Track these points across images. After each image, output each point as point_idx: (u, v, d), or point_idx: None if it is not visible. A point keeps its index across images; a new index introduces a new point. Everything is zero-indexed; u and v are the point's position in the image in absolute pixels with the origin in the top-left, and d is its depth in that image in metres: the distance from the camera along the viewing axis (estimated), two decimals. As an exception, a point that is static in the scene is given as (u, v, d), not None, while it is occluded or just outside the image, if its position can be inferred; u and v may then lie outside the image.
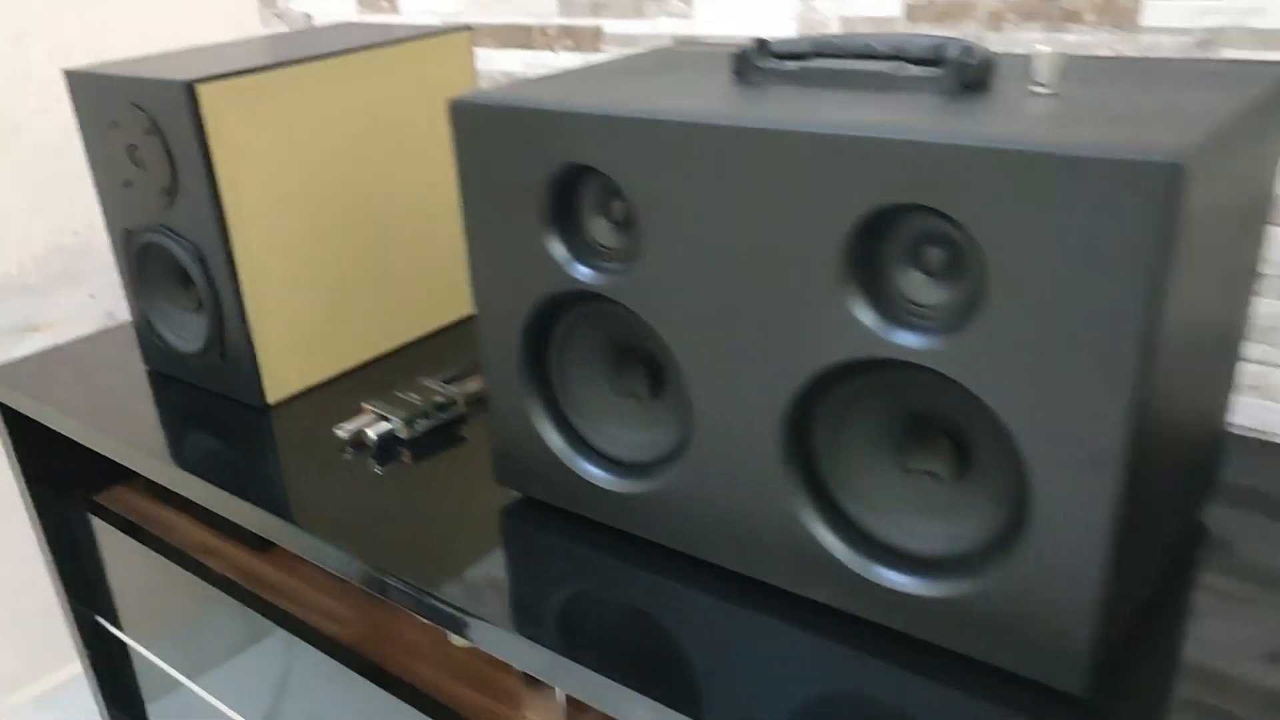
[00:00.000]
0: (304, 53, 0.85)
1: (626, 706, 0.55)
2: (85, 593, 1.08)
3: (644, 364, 0.63)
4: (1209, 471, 0.64)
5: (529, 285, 0.62)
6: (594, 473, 0.65)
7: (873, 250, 0.49)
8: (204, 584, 0.90)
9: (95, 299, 1.34)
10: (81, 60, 1.27)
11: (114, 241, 0.89)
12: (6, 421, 0.99)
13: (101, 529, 1.01)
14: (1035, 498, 0.48)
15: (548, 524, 0.70)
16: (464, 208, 0.63)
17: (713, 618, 0.59)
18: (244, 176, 0.80)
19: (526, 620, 0.60)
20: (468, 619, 0.61)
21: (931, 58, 0.53)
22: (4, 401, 0.98)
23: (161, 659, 1.02)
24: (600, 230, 0.59)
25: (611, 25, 1.05)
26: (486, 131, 0.60)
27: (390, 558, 0.67)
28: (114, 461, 1.05)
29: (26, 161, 1.25)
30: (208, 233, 0.80)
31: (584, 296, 0.61)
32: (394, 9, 1.24)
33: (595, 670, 0.56)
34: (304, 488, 0.76)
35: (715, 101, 0.54)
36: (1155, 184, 0.40)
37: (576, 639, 0.58)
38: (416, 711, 0.74)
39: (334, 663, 0.78)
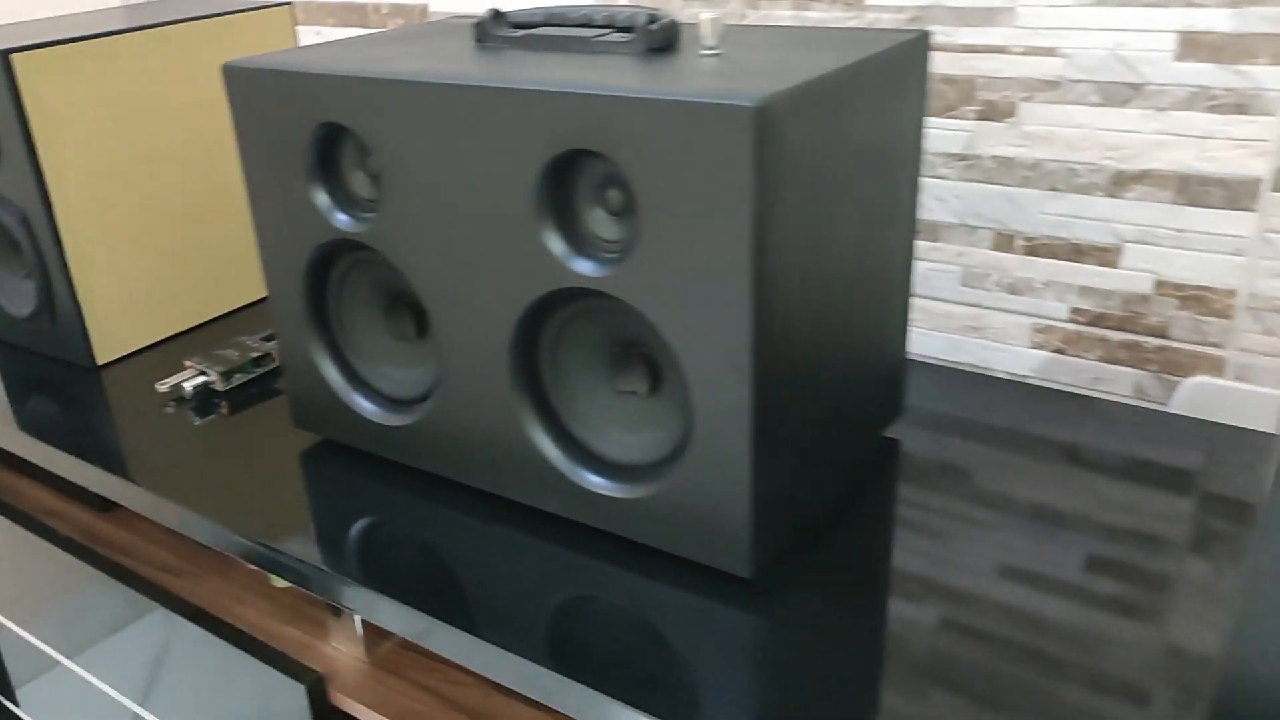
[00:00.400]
0: (133, 24, 0.90)
1: (406, 621, 0.62)
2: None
3: (410, 308, 0.70)
4: (893, 395, 0.73)
5: (301, 235, 0.68)
6: (369, 408, 0.71)
7: (562, 191, 0.57)
8: (52, 549, 0.94)
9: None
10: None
11: (-49, 212, 0.94)
12: None
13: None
14: (696, 406, 0.55)
15: (341, 463, 0.76)
16: (243, 164, 0.69)
17: (475, 536, 0.66)
18: (64, 143, 0.85)
19: (329, 554, 0.66)
20: (276, 557, 0.67)
21: (627, 25, 0.60)
22: None
23: (12, 623, 1.06)
24: (359, 183, 0.66)
25: (436, 3, 1.12)
26: (256, 93, 0.66)
27: (207, 505, 0.73)
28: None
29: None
30: (30, 198, 0.85)
31: (349, 245, 0.67)
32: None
33: (382, 593, 0.62)
34: (131, 443, 0.81)
35: (442, 62, 0.61)
36: (743, 123, 0.48)
37: (369, 567, 0.64)
38: (241, 650, 0.80)
39: (176, 616, 0.84)
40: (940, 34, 0.83)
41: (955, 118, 0.85)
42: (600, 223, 0.57)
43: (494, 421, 0.65)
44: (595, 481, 0.62)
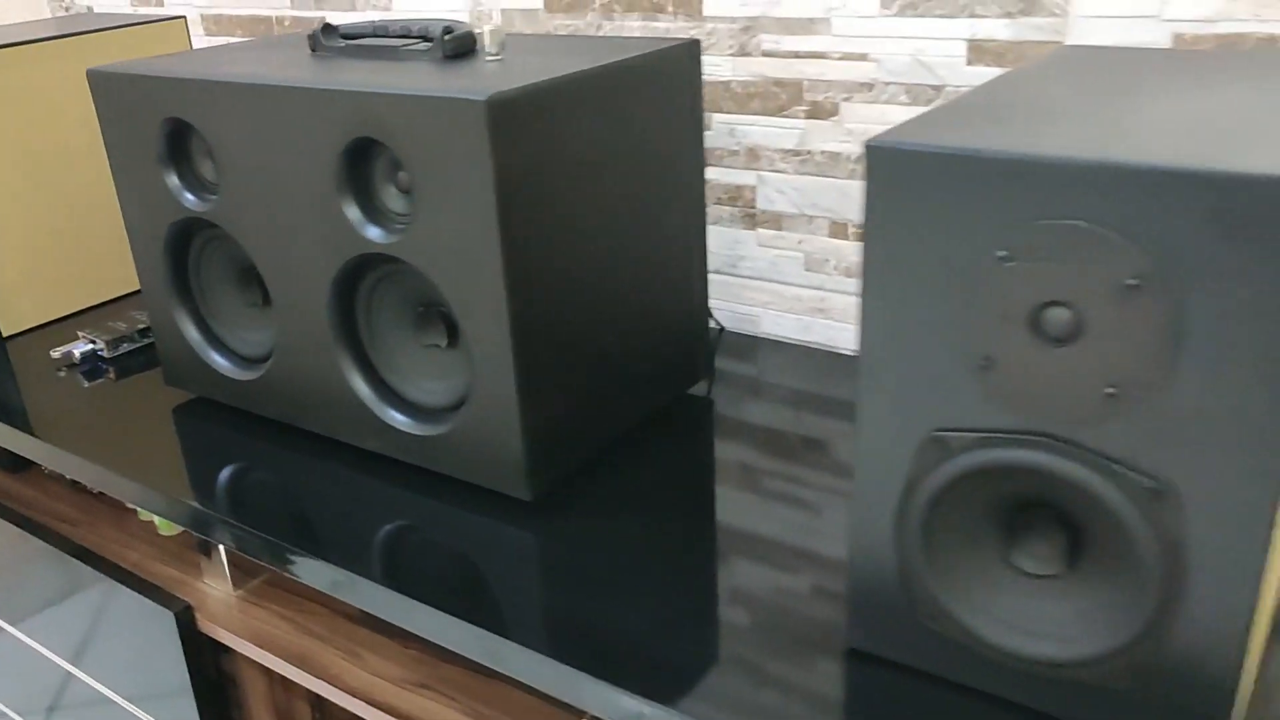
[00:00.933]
0: (35, 35, 1.00)
1: (257, 548, 0.72)
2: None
3: (256, 277, 0.80)
4: (693, 359, 0.84)
5: (158, 215, 0.79)
6: (224, 365, 0.82)
7: (359, 172, 0.68)
8: None
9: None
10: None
11: (-127, 201, 1.03)
12: None
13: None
14: (474, 356, 0.66)
15: (206, 415, 0.87)
16: (109, 155, 0.80)
17: (314, 475, 0.77)
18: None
19: (201, 496, 0.76)
20: (148, 497, 0.78)
21: (428, 35, 0.71)
22: None
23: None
24: (206, 169, 0.77)
25: (331, 16, 1.22)
26: (115, 95, 0.77)
27: (92, 453, 0.83)
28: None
29: None
30: (-59, 189, 0.96)
31: (200, 223, 0.78)
32: (159, 3, 1.40)
33: (241, 527, 0.73)
34: (31, 403, 0.92)
35: (269, 68, 0.72)
36: (478, 115, 0.59)
37: (230, 503, 0.75)
38: (121, 584, 0.90)
39: (71, 560, 0.94)
40: (769, 42, 0.94)
41: (788, 117, 0.96)
42: (393, 199, 0.68)
43: (322, 373, 0.76)
44: (403, 421, 0.73)
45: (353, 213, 0.67)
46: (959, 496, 0.49)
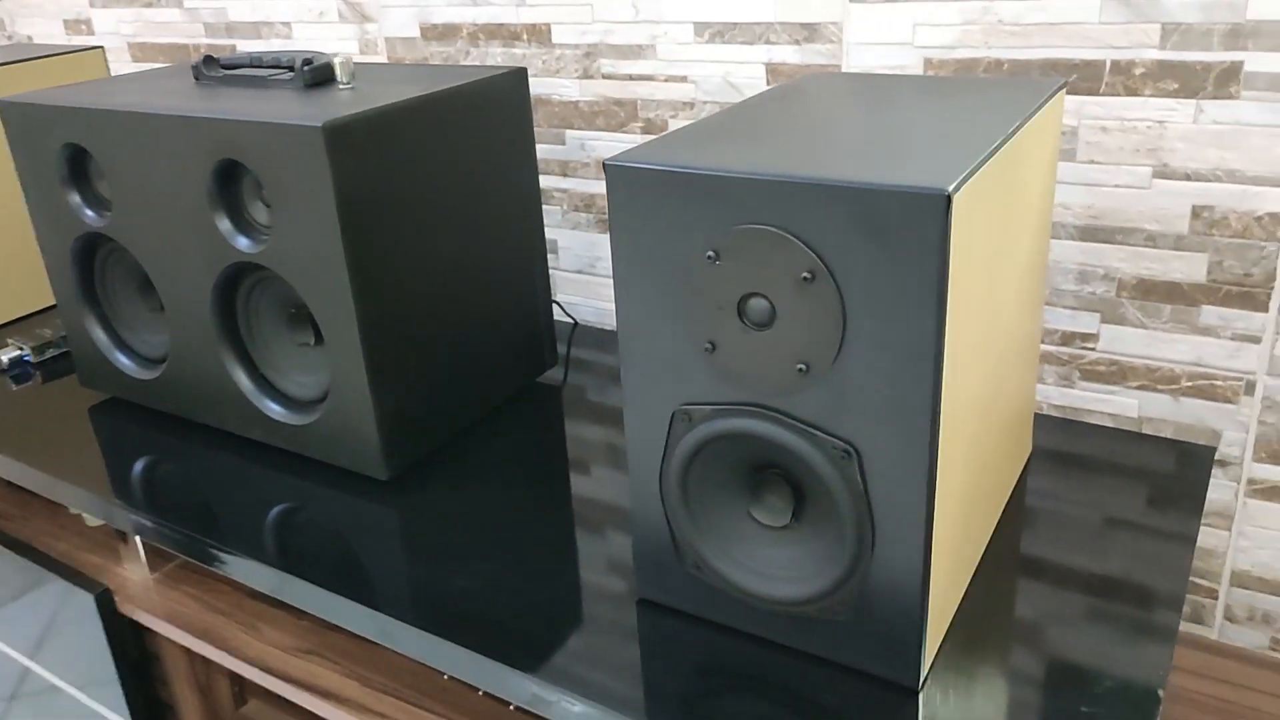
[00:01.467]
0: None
1: (158, 535, 0.80)
2: None
3: (152, 290, 0.88)
4: (538, 351, 0.93)
5: (63, 230, 0.87)
6: (129, 365, 0.90)
7: (229, 189, 0.76)
8: None
9: None
10: None
11: None
12: None
13: None
14: (332, 352, 0.74)
15: (119, 413, 0.95)
16: (19, 177, 0.88)
17: (209, 463, 0.86)
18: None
19: (112, 488, 0.84)
20: (64, 490, 0.86)
21: (291, 65, 0.79)
22: None
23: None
24: (103, 187, 0.85)
25: (242, 44, 1.31)
26: (19, 122, 0.85)
27: (15, 450, 0.91)
28: None
29: None
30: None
31: (101, 238, 0.86)
32: (90, 31, 1.48)
33: (143, 516, 0.81)
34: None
35: (152, 96, 0.80)
36: (315, 138, 0.67)
37: (140, 497, 0.83)
38: (47, 571, 0.98)
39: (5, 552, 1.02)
40: (607, 66, 1.03)
41: (628, 132, 1.05)
42: (260, 213, 0.76)
43: (210, 370, 0.84)
44: (279, 412, 0.81)
45: (224, 225, 0.76)
46: (706, 460, 0.57)
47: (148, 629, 0.97)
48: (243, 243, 0.75)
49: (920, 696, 0.55)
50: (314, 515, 0.77)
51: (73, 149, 0.83)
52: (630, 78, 1.02)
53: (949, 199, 0.46)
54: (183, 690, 1.00)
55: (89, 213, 0.85)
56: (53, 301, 1.20)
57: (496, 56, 1.10)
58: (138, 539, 0.95)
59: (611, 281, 1.11)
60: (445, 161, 0.77)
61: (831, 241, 0.48)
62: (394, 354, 0.76)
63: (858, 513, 0.52)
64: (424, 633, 0.65)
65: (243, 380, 0.82)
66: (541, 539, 0.73)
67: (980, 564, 0.67)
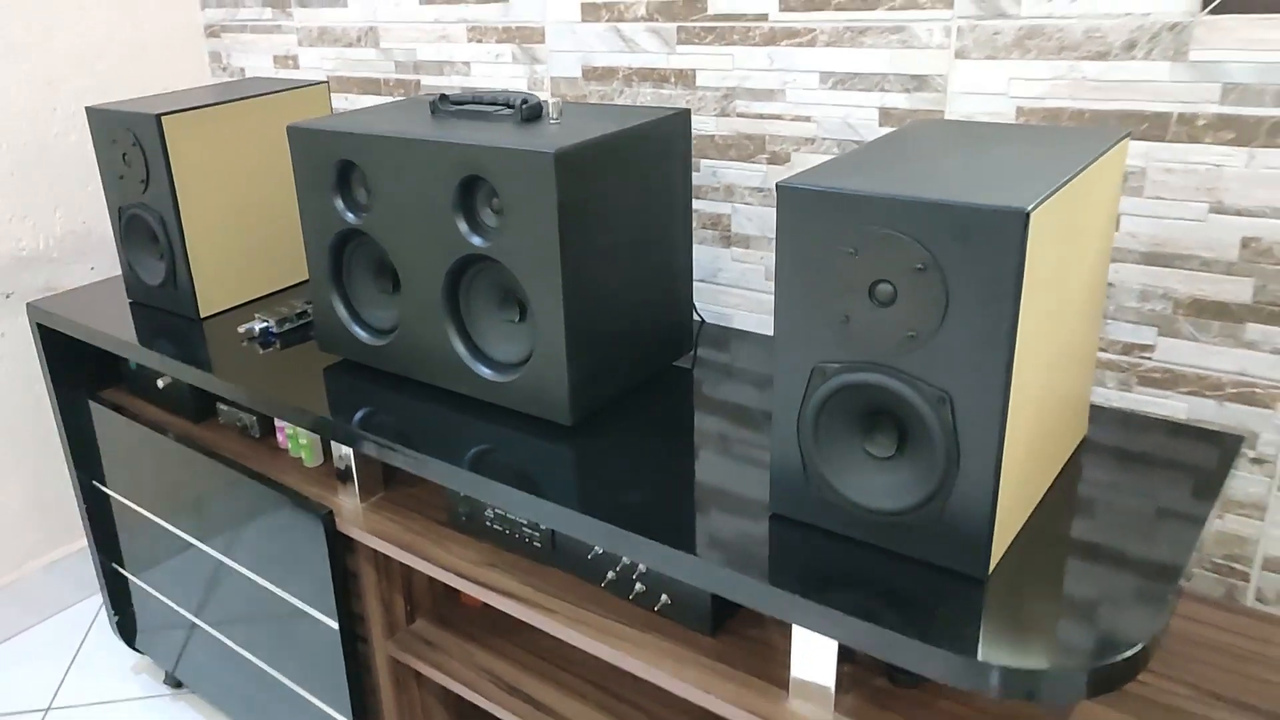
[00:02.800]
0: (230, 96, 1.36)
1: (388, 454, 1.04)
2: (85, 461, 1.58)
3: (389, 275, 1.12)
4: (680, 338, 1.14)
5: (327, 227, 1.12)
6: (363, 335, 1.15)
7: (467, 198, 0.99)
8: (161, 444, 1.39)
9: (94, 270, 1.86)
10: (92, 100, 1.80)
11: (111, 214, 1.40)
12: (42, 338, 1.50)
13: (99, 414, 1.51)
14: (538, 327, 0.97)
15: (349, 371, 1.20)
16: (296, 184, 1.13)
17: (431, 414, 1.09)
18: (189, 172, 1.31)
19: (338, 424, 1.09)
20: (304, 420, 1.11)
21: (511, 104, 1.02)
22: (40, 323, 1.48)
23: (134, 504, 1.51)
24: (362, 195, 1.09)
25: (426, 80, 1.57)
26: (303, 142, 1.10)
27: (264, 394, 1.16)
28: (107, 369, 1.56)
29: (54, 170, 1.77)
30: (167, 208, 1.31)
31: (355, 233, 1.11)
32: (296, 65, 1.77)
33: (376, 439, 1.05)
34: (221, 361, 1.26)
35: (405, 125, 1.04)
36: (548, 163, 0.89)
37: (368, 429, 1.07)
38: (281, 497, 1.23)
39: (243, 483, 1.28)
40: (742, 107, 1.24)
41: (755, 163, 1.26)
42: (490, 217, 0.99)
43: (433, 339, 1.07)
44: (488, 373, 1.04)
45: (463, 226, 0.99)
46: (833, 406, 0.76)
47: (351, 550, 1.21)
48: (476, 240, 0.99)
49: (987, 585, 0.73)
50: (509, 448, 0.99)
51: (344, 163, 1.08)
52: (761, 116, 1.24)
53: (1028, 216, 0.65)
54: (371, 603, 1.24)
55: (349, 214, 1.10)
56: (282, 285, 1.48)
57: (646, 95, 1.33)
58: (353, 469, 1.19)
59: (730, 288, 1.32)
60: (629, 182, 0.99)
61: (940, 243, 0.68)
62: (584, 329, 0.98)
63: (948, 444, 0.71)
64: (603, 523, 0.87)
65: (459, 347, 1.05)
66: (687, 471, 0.94)
67: (1038, 505, 0.85)
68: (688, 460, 0.97)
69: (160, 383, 1.45)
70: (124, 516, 1.57)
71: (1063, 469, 0.91)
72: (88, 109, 1.37)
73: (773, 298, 1.30)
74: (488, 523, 1.10)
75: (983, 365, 0.69)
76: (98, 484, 1.59)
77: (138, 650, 1.70)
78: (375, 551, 1.21)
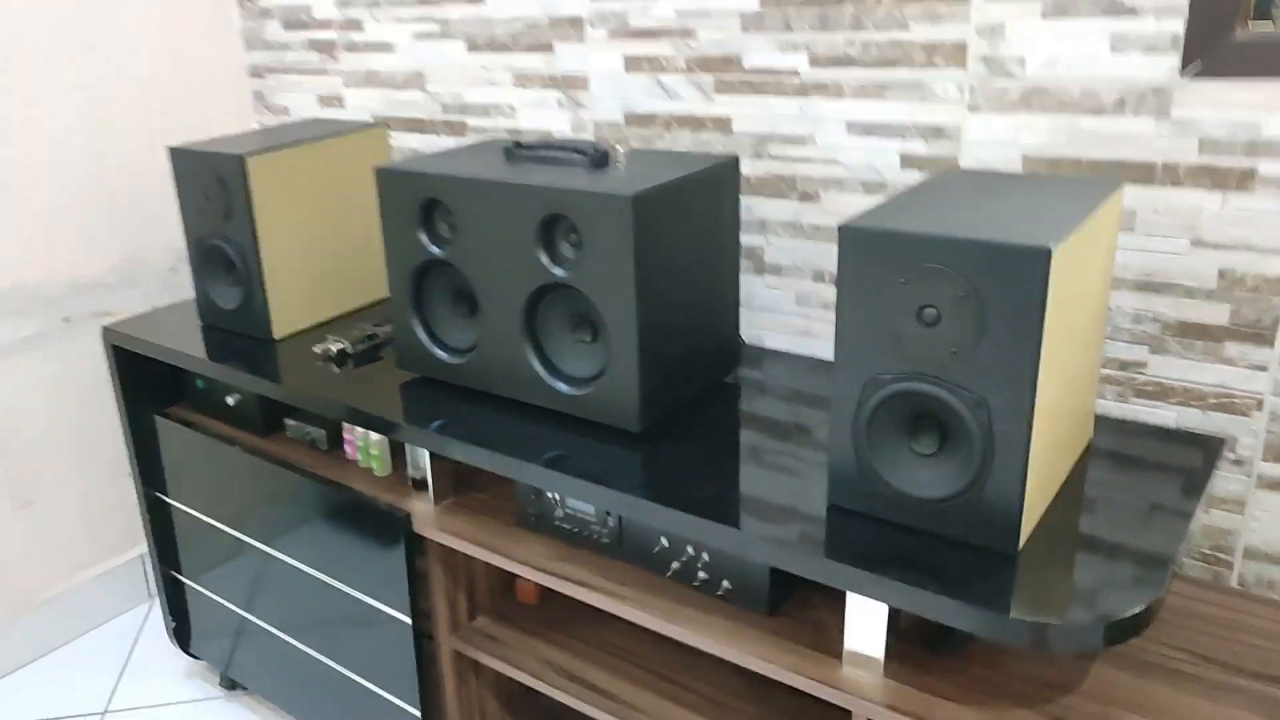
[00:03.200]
0: (301, 138, 1.49)
1: (475, 454, 1.17)
2: (149, 473, 1.68)
3: (466, 300, 1.25)
4: (729, 356, 1.28)
5: (410, 257, 1.25)
6: (441, 355, 1.27)
7: (548, 234, 1.12)
8: (230, 456, 1.50)
9: (145, 297, 1.97)
10: (145, 137, 1.92)
11: (189, 245, 1.52)
12: (116, 357, 1.60)
13: (165, 428, 1.62)
14: (612, 347, 1.10)
15: (425, 388, 1.32)
16: (381, 219, 1.26)
17: (507, 424, 1.21)
18: (266, 206, 1.44)
19: (423, 430, 1.21)
20: (382, 427, 1.23)
21: (582, 150, 1.16)
22: (114, 344, 1.59)
23: (197, 513, 1.62)
24: (445, 229, 1.22)
25: (472, 121, 1.71)
26: (390, 181, 1.23)
27: (341, 408, 1.28)
28: (172, 388, 1.67)
29: (111, 203, 1.89)
30: (246, 239, 1.44)
31: (437, 262, 1.23)
32: (342, 106, 1.90)
33: (463, 442, 1.17)
34: (294, 379, 1.37)
35: (485, 169, 1.18)
36: (625, 206, 1.02)
37: (453, 434, 1.20)
38: (363, 503, 1.34)
39: (318, 490, 1.39)
40: (775, 150, 1.39)
41: (786, 199, 1.40)
42: (568, 249, 1.12)
43: (511, 357, 1.20)
44: (563, 387, 1.16)
45: (544, 258, 1.12)
46: (884, 411, 0.90)
47: (421, 552, 1.32)
48: (557, 270, 1.12)
49: (1017, 560, 0.87)
50: (583, 450, 1.12)
51: (429, 201, 1.21)
52: (792, 159, 1.38)
53: (1049, 253, 0.79)
54: (439, 601, 1.36)
55: (432, 246, 1.22)
56: (351, 308, 1.60)
57: (685, 139, 1.47)
58: (428, 476, 1.31)
59: (764, 312, 1.46)
60: (689, 220, 1.13)
61: (978, 275, 0.82)
62: (652, 347, 1.11)
63: (984, 442, 0.85)
64: (679, 511, 1.00)
65: (535, 364, 1.18)
66: (745, 470, 1.07)
67: (1055, 496, 0.99)
68: (745, 461, 1.10)
69: (230, 400, 1.56)
70: (184, 525, 1.67)
71: (1073, 467, 1.05)
72: (171, 149, 1.49)
73: (803, 321, 1.45)
74: (556, 522, 1.22)
75: (1014, 376, 0.83)
76: (160, 495, 1.69)
77: (192, 655, 1.79)
78: (443, 552, 1.33)
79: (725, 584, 1.09)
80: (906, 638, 1.03)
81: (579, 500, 1.15)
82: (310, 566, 1.46)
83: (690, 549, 1.11)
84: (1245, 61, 1.06)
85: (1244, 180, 1.09)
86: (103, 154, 1.86)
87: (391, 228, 1.26)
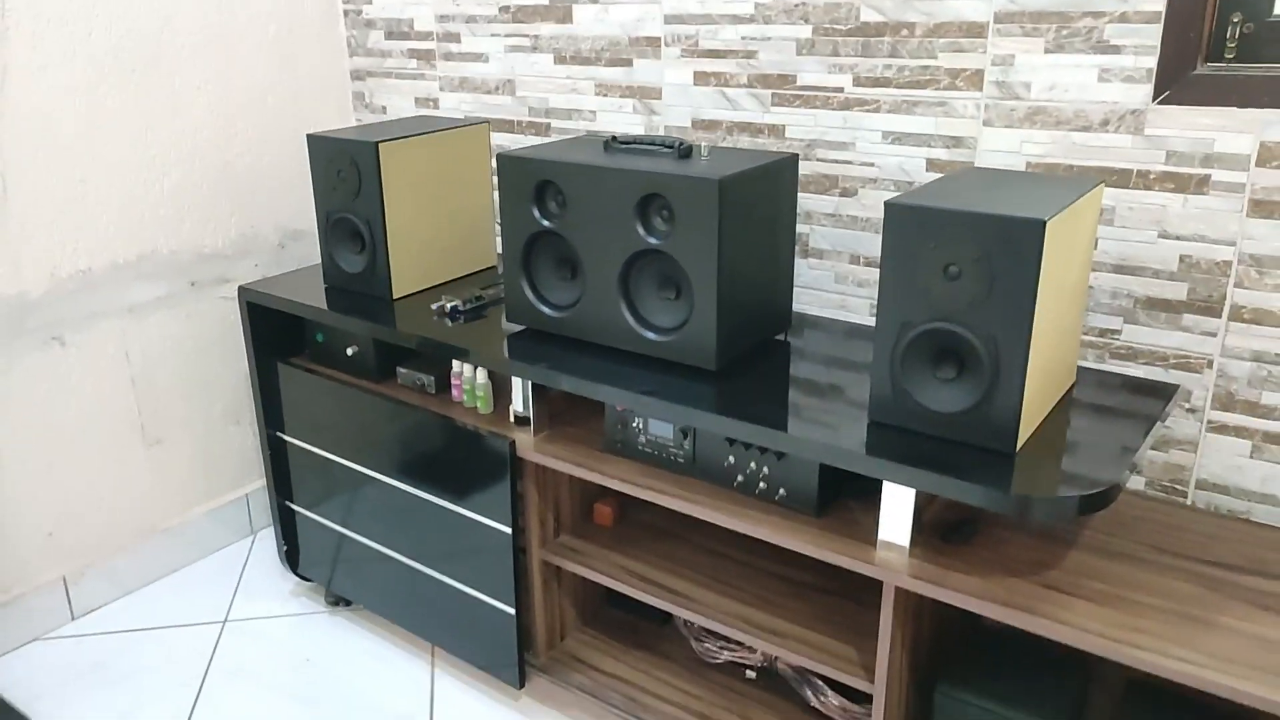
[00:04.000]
0: (420, 130, 1.77)
1: (576, 383, 1.45)
2: (271, 415, 1.96)
3: (570, 264, 1.53)
4: (783, 318, 1.57)
5: (523, 228, 1.53)
6: (546, 310, 1.55)
7: (645, 210, 1.40)
8: (347, 397, 1.78)
9: (258, 266, 2.25)
10: (262, 127, 2.20)
11: (319, 217, 1.80)
12: (250, 312, 1.88)
13: (287, 374, 1.90)
14: (696, 302, 1.38)
15: (530, 338, 1.60)
16: (500, 198, 1.54)
17: (603, 364, 1.49)
18: (393, 187, 1.72)
19: (524, 364, 1.49)
20: (491, 364, 1.51)
21: (670, 145, 1.44)
22: (250, 300, 1.87)
23: (314, 447, 1.89)
24: (554, 206, 1.50)
25: (556, 123, 1.99)
26: (511, 165, 1.51)
27: (459, 351, 1.56)
28: (293, 342, 1.95)
29: (232, 184, 2.17)
30: (374, 213, 1.72)
31: (547, 233, 1.51)
32: (436, 107, 2.19)
33: (560, 372, 1.45)
34: (421, 326, 1.65)
35: (590, 157, 1.46)
36: (713, 188, 1.30)
37: (552, 368, 1.47)
38: (475, 431, 1.62)
39: (428, 418, 1.66)
40: (821, 153, 1.67)
41: (829, 195, 1.68)
42: (660, 223, 1.40)
43: (607, 311, 1.48)
44: (651, 335, 1.45)
45: (640, 228, 1.41)
46: (915, 347, 1.18)
47: (520, 475, 1.60)
48: (651, 239, 1.40)
49: (1015, 457, 1.15)
50: (668, 388, 1.40)
51: (543, 183, 1.49)
52: (835, 161, 1.67)
53: (1045, 224, 1.07)
54: (532, 519, 1.63)
55: (543, 220, 1.50)
56: (458, 275, 1.89)
57: (744, 143, 1.76)
58: (530, 412, 1.59)
59: (807, 289, 1.74)
60: (758, 202, 1.41)
61: (989, 241, 1.10)
62: (727, 302, 1.39)
63: (992, 368, 1.13)
64: (752, 424, 1.28)
65: (628, 317, 1.46)
66: (799, 398, 1.35)
67: (1045, 418, 1.27)
68: (800, 393, 1.38)
69: (350, 350, 1.84)
70: (299, 459, 1.95)
71: (1059, 400, 1.33)
72: (309, 136, 1.78)
73: (839, 297, 1.73)
74: (640, 446, 1.50)
75: (1016, 318, 1.11)
76: (279, 434, 1.96)
77: (300, 576, 2.07)
78: (539, 475, 1.61)
79: (781, 491, 1.37)
80: (927, 532, 1.30)
81: (660, 423, 1.44)
82: (420, 490, 1.74)
83: (753, 464, 1.39)
84: (1203, 92, 1.35)
85: (1200, 184, 1.37)
86: (227, 143, 2.14)
87: (508, 204, 1.54)
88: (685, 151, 1.46)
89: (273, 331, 1.94)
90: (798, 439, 1.26)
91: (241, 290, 1.89)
